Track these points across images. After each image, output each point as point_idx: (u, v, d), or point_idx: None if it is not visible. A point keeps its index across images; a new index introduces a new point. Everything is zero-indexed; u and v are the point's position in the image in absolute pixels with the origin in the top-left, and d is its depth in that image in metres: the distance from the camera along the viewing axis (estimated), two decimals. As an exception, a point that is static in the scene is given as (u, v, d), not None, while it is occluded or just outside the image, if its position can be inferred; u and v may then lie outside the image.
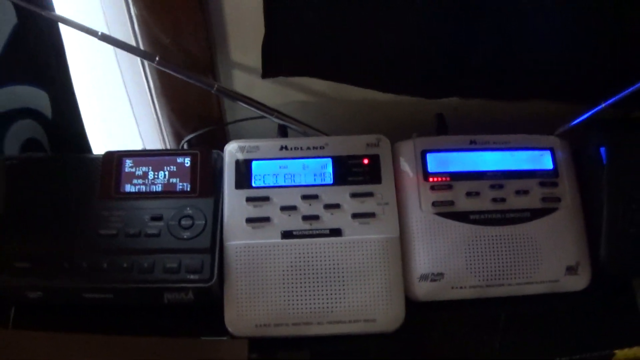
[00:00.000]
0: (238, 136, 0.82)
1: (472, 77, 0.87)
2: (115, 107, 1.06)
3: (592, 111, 0.82)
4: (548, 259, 0.77)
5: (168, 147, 1.04)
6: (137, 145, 1.16)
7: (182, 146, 0.91)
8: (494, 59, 0.86)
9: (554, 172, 0.81)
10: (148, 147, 1.14)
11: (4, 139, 0.92)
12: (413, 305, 0.76)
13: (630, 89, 0.77)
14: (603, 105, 0.80)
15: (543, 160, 0.82)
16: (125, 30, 0.88)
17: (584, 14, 0.82)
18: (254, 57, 0.88)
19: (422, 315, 0.77)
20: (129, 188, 0.79)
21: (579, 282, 0.78)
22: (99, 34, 0.78)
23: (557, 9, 0.81)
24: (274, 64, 0.84)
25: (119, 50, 0.95)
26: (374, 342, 0.76)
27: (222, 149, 0.81)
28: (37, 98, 0.93)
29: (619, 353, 0.73)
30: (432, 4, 0.79)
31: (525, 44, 0.85)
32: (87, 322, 0.77)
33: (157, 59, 0.79)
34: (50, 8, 0.86)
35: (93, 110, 0.99)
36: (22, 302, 0.77)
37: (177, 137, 0.95)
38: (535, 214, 0.78)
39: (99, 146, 1.04)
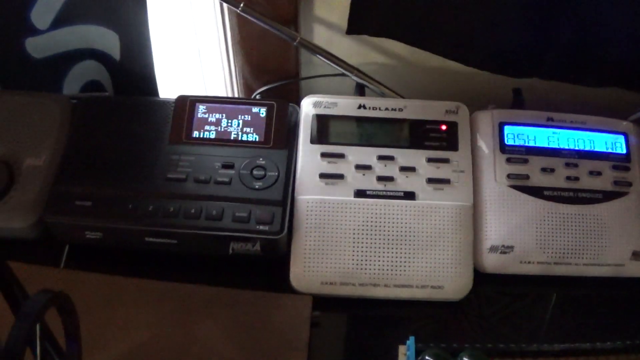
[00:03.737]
0: (310, 93, 0.80)
1: (553, 60, 0.86)
2: (183, 53, 1.04)
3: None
4: (615, 242, 0.76)
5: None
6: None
7: (255, 98, 0.89)
8: (576, 45, 0.85)
9: (627, 156, 0.80)
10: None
11: (65, 79, 0.91)
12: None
13: None
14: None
15: (617, 144, 0.80)
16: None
17: None
18: (337, 14, 0.86)
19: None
20: (200, 134, 0.77)
21: (644, 269, 0.77)
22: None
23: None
24: (360, 21, 0.82)
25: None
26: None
27: (294, 104, 0.80)
28: (107, 39, 0.90)
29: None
30: None
31: (605, 32, 0.84)
32: (141, 270, 0.74)
33: (241, 5, 0.77)
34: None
35: (161, 55, 0.96)
36: (79, 243, 0.75)
37: (248, 89, 0.93)
38: (606, 196, 0.77)
39: (163, 92, 1.00)
